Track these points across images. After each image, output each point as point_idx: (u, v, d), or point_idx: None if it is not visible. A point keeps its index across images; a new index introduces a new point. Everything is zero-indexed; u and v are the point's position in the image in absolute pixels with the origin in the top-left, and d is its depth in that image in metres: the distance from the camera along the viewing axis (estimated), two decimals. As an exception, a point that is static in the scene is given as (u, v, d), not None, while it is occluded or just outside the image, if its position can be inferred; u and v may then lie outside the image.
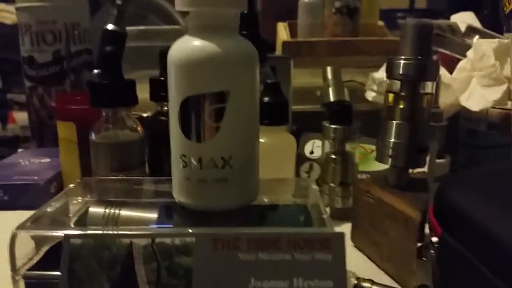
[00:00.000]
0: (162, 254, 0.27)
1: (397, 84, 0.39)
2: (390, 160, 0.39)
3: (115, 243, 0.27)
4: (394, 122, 0.38)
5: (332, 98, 0.62)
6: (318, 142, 0.57)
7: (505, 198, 0.30)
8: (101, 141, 0.48)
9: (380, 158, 0.40)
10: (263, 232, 0.27)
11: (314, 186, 0.36)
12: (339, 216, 0.49)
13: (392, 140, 0.38)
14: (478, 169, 0.41)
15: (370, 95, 0.62)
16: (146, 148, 0.52)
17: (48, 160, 0.62)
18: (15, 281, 0.28)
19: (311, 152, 0.57)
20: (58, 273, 0.27)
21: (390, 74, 0.38)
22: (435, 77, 0.38)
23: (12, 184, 0.54)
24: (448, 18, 0.88)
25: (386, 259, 0.38)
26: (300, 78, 0.68)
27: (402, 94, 0.38)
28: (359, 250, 0.43)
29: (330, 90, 0.63)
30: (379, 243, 0.39)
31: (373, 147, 0.54)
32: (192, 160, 0.29)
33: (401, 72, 0.37)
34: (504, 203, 0.30)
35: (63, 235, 0.27)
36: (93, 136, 0.48)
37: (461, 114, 0.60)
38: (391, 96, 0.39)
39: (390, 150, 0.38)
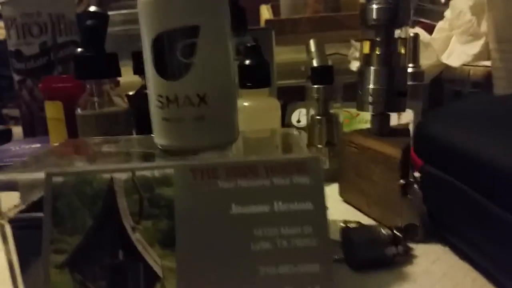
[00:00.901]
0: (143, 187, 0.27)
1: (371, 34, 0.39)
2: (370, 107, 0.39)
3: (96, 179, 0.27)
4: (372, 68, 0.39)
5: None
6: (304, 111, 0.58)
7: (480, 122, 0.31)
8: (87, 113, 0.48)
9: (360, 107, 0.40)
10: (241, 160, 0.27)
11: (296, 132, 0.36)
12: (328, 177, 0.49)
13: (371, 86, 0.39)
14: (454, 103, 0.42)
15: (354, 65, 0.63)
16: (133, 122, 0.52)
17: (38, 145, 0.63)
18: (1, 226, 0.28)
19: (298, 121, 0.58)
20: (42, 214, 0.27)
21: (364, 21, 0.39)
22: (407, 20, 0.39)
23: (3, 165, 0.54)
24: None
25: (372, 204, 0.39)
26: (284, 55, 0.69)
27: (377, 39, 0.38)
28: (348, 203, 0.43)
29: (314, 62, 0.63)
30: (365, 191, 0.39)
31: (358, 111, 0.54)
32: (168, 99, 0.30)
33: (374, 17, 0.38)
34: (479, 126, 0.30)
35: (44, 174, 0.27)
36: (79, 111, 0.49)
37: (445, 77, 0.60)
38: (367, 43, 0.39)
39: (370, 97, 0.39)
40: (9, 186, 0.29)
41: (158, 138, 0.31)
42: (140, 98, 0.53)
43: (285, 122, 0.58)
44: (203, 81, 0.29)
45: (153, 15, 0.29)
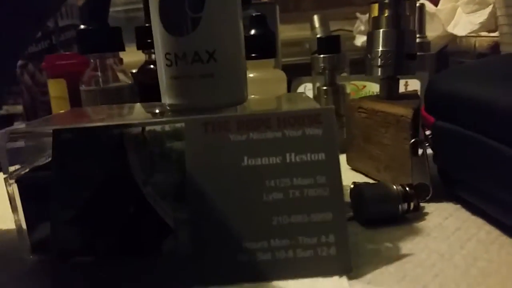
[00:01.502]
0: (154, 141, 0.26)
1: (380, -2, 0.39)
2: (380, 70, 0.39)
3: (105, 134, 0.27)
4: (381, 30, 0.38)
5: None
6: (309, 85, 0.58)
7: (491, 75, 0.30)
8: (91, 89, 0.48)
9: (369, 71, 0.40)
10: (252, 113, 0.27)
11: (305, 95, 0.36)
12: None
13: (380, 49, 0.38)
14: (464, 63, 0.41)
15: (359, 41, 0.63)
16: (138, 97, 0.52)
17: (41, 126, 0.62)
18: (8, 185, 0.28)
19: (304, 96, 0.57)
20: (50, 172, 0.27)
21: (372, -16, 0.39)
22: (416, -19, 0.38)
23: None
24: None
25: (382, 168, 0.38)
26: (288, 32, 0.69)
27: (386, 1, 0.38)
28: (357, 171, 0.43)
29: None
30: (375, 155, 0.39)
31: (365, 83, 0.54)
32: (177, 56, 0.29)
33: (382, -22, 0.37)
34: (490, 78, 0.30)
35: (51, 131, 0.27)
36: (83, 87, 0.48)
37: (450, 49, 0.60)
38: (375, 6, 0.39)
39: (379, 60, 0.38)
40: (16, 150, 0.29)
41: (167, 98, 0.31)
42: (144, 74, 0.53)
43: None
44: (212, 37, 0.29)
45: (159, -33, 0.28)
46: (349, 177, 0.42)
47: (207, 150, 0.26)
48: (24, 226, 0.28)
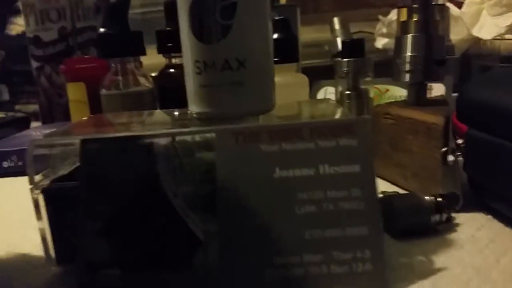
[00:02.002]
0: (184, 152, 0.26)
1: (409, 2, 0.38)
2: (408, 75, 0.38)
3: (134, 144, 0.26)
4: (409, 35, 0.37)
5: (340, 48, 0.62)
6: (330, 89, 0.57)
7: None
8: (112, 93, 0.48)
9: (397, 76, 0.39)
10: (285, 123, 0.26)
11: (331, 101, 0.35)
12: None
13: (409, 54, 0.37)
14: (495, 71, 0.40)
15: (380, 43, 0.62)
16: (158, 102, 0.51)
17: (59, 130, 0.62)
18: (34, 195, 0.28)
19: (324, 99, 0.57)
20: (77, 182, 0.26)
21: (401, -12, 0.38)
22: (445, -15, 0.38)
23: (25, 149, 0.53)
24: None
25: (410, 176, 0.37)
26: (306, 35, 0.68)
27: (415, 6, 0.37)
28: (382, 179, 0.42)
29: (338, 40, 0.62)
30: (402, 163, 0.38)
31: (388, 87, 0.53)
32: (206, 64, 0.29)
33: (412, -17, 0.36)
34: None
35: (79, 141, 0.26)
36: (103, 91, 0.48)
37: (473, 53, 0.59)
38: (404, 10, 0.38)
39: (407, 65, 0.38)
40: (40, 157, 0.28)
41: (195, 106, 0.30)
42: (164, 78, 0.52)
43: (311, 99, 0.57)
44: (243, 45, 0.28)
45: (190, -26, 0.28)
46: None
47: (238, 161, 0.26)
48: (49, 236, 0.28)
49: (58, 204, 0.28)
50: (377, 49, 0.63)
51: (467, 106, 0.32)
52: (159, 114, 0.39)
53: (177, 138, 0.26)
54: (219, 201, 0.25)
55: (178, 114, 0.34)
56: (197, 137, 0.26)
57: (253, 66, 0.29)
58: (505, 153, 0.27)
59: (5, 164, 0.53)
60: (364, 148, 0.25)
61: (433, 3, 0.37)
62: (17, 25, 1.12)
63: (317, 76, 0.62)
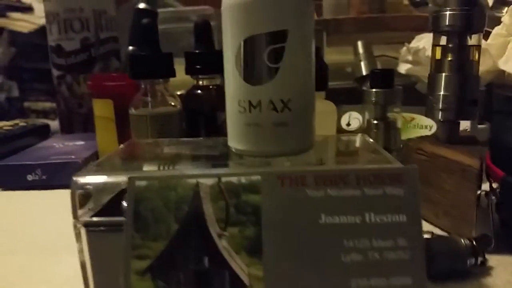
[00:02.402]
0: (230, 193, 0.26)
1: (443, 40, 0.38)
2: (440, 113, 0.38)
3: (180, 183, 0.26)
4: (443, 74, 0.38)
5: (364, 72, 0.62)
6: (354, 114, 0.57)
7: None
8: (141, 114, 0.48)
9: (430, 114, 0.39)
10: (331, 168, 0.27)
11: (368, 138, 0.35)
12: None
13: (442, 93, 0.38)
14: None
15: (403, 68, 0.62)
16: (184, 121, 0.52)
17: (82, 142, 0.62)
18: (76, 229, 0.28)
19: (348, 124, 0.57)
20: (121, 218, 0.27)
21: (436, 27, 0.38)
22: (482, 27, 0.38)
23: (50, 163, 0.54)
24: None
25: (442, 214, 0.38)
26: (329, 55, 0.68)
27: (450, 46, 0.37)
28: (408, 211, 0.42)
29: (362, 64, 0.63)
30: (434, 200, 0.38)
31: (413, 115, 0.53)
32: (251, 104, 0.29)
33: (447, 23, 0.37)
34: None
35: (127, 179, 0.27)
36: (132, 110, 0.48)
37: (496, 83, 0.59)
38: (438, 49, 0.38)
39: (441, 103, 0.38)
40: (85, 189, 0.29)
41: (237, 143, 0.31)
42: (191, 99, 0.52)
43: (335, 124, 0.57)
44: (288, 87, 0.29)
45: (241, 19, 0.28)
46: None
47: (283, 205, 0.26)
48: (90, 272, 0.28)
49: (99, 238, 0.29)
50: (400, 73, 0.63)
51: (502, 150, 0.32)
52: (194, 144, 0.39)
53: (223, 179, 0.26)
54: (264, 244, 0.25)
55: (214, 147, 0.35)
56: (243, 179, 0.26)
57: (297, 107, 0.29)
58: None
59: (30, 178, 0.53)
60: (411, 198, 0.26)
61: (468, 44, 0.37)
62: (28, 22, 1.13)
63: (339, 98, 0.62)
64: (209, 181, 0.26)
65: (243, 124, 0.30)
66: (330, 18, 0.75)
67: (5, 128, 0.68)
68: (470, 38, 0.38)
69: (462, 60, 0.37)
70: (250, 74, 0.29)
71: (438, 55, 0.38)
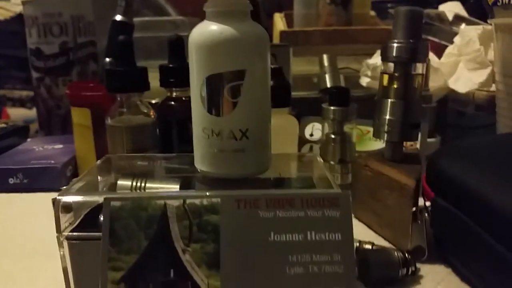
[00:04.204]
0: (193, 213, 0.30)
1: (391, 67, 0.43)
2: (386, 135, 0.43)
3: (151, 204, 0.30)
4: (389, 100, 0.42)
5: (328, 84, 0.67)
6: (317, 125, 0.61)
7: (488, 162, 0.35)
8: (117, 125, 0.52)
9: (376, 134, 0.44)
10: (280, 192, 0.31)
11: (319, 159, 0.40)
12: (339, 191, 0.53)
13: (388, 117, 0.42)
14: (464, 140, 0.46)
15: (364, 81, 0.66)
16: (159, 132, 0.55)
17: (61, 146, 0.66)
18: (60, 242, 0.32)
19: (311, 135, 0.61)
20: (99, 233, 0.31)
21: (384, 57, 0.42)
22: (425, 58, 0.42)
23: (31, 167, 0.57)
24: (437, 7, 0.93)
25: (384, 225, 0.43)
26: (297, 66, 0.72)
27: (396, 74, 0.42)
28: (359, 220, 0.47)
29: (327, 77, 0.67)
30: (378, 212, 0.43)
31: (369, 128, 0.58)
32: (214, 132, 0.33)
33: (394, 54, 0.41)
34: (486, 166, 0.34)
35: (103, 199, 0.31)
36: (109, 121, 0.52)
37: (450, 97, 0.64)
38: (386, 77, 0.43)
39: (386, 127, 0.42)
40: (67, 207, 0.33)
41: (201, 165, 0.35)
42: (165, 110, 0.56)
43: (299, 134, 0.62)
44: (246, 118, 0.33)
45: (204, 59, 0.32)
46: (354, 227, 0.46)
47: (239, 224, 0.30)
48: (72, 283, 0.32)
49: (79, 250, 0.33)
50: (362, 85, 0.67)
51: (435, 174, 0.37)
52: (166, 161, 0.44)
53: (188, 201, 0.30)
54: (222, 259, 0.30)
55: (184, 165, 0.39)
56: (205, 201, 0.31)
57: (254, 136, 0.34)
58: (465, 227, 0.33)
59: (11, 181, 0.57)
60: (345, 219, 0.30)
61: (413, 72, 0.42)
62: (4, 9, 1.14)
63: (306, 107, 0.66)
64: (176, 203, 0.31)
65: (207, 149, 0.34)
66: (300, 29, 0.79)
67: (-15, 129, 0.70)
68: (415, 67, 0.42)
69: (406, 88, 0.42)
70: (212, 106, 0.33)
71: (385, 82, 0.43)
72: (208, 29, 0.33)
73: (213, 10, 0.33)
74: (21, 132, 0.77)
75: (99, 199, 0.31)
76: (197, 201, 0.31)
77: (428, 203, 0.38)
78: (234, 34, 0.32)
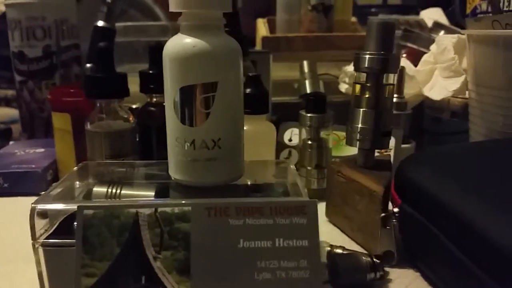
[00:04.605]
0: (164, 221, 0.31)
1: (363, 76, 0.44)
2: (358, 143, 0.44)
3: (123, 212, 0.31)
4: (361, 109, 0.43)
5: (308, 90, 0.68)
6: (296, 131, 0.62)
7: (451, 170, 0.36)
8: (96, 130, 0.52)
9: (349, 142, 0.45)
10: (249, 201, 0.32)
11: (292, 167, 0.41)
12: (315, 196, 0.53)
13: (359, 125, 0.43)
14: (432, 149, 0.47)
15: (343, 87, 0.68)
16: (138, 137, 0.56)
17: (42, 150, 0.66)
18: (35, 248, 0.32)
19: (290, 140, 0.62)
20: (73, 240, 0.31)
21: (357, 67, 0.44)
22: (396, 69, 0.44)
23: (11, 172, 0.58)
24: (418, 13, 0.95)
25: (356, 230, 0.44)
26: (279, 71, 0.73)
27: (368, 85, 0.43)
28: (333, 224, 0.48)
29: (307, 83, 0.68)
30: (350, 216, 0.44)
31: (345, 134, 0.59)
32: (186, 142, 0.34)
33: (366, 65, 0.42)
34: (449, 174, 0.35)
35: (76, 207, 0.31)
36: (88, 126, 0.53)
37: (425, 104, 0.65)
38: (358, 86, 0.44)
39: (358, 135, 0.44)
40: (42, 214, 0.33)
41: (175, 173, 0.36)
42: (145, 115, 0.57)
43: (278, 139, 0.63)
44: (218, 128, 0.34)
45: (178, 71, 0.33)
46: (327, 230, 0.47)
47: (209, 232, 0.31)
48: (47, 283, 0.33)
49: (54, 256, 0.33)
50: (341, 91, 0.69)
51: (402, 182, 0.38)
52: (142, 168, 0.44)
53: (159, 209, 0.31)
54: (192, 265, 0.31)
55: (159, 173, 0.40)
56: (176, 209, 0.31)
57: (226, 145, 0.35)
58: (430, 234, 0.34)
59: (-10, 185, 0.57)
60: (312, 226, 0.31)
61: (384, 83, 0.43)
62: None
63: (286, 112, 0.68)
64: (147, 211, 0.31)
65: (180, 157, 0.35)
66: (281, 35, 0.80)
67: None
68: (386, 78, 0.43)
69: (378, 98, 0.43)
70: (185, 117, 0.34)
71: (357, 92, 0.44)
72: (181, 42, 0.34)
73: (187, 24, 0.34)
74: (3, 135, 0.77)
75: (74, 207, 0.32)
76: (168, 210, 0.32)
77: (396, 209, 0.39)
78: (206, 47, 0.33)
